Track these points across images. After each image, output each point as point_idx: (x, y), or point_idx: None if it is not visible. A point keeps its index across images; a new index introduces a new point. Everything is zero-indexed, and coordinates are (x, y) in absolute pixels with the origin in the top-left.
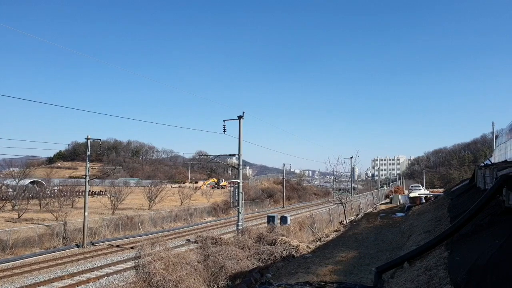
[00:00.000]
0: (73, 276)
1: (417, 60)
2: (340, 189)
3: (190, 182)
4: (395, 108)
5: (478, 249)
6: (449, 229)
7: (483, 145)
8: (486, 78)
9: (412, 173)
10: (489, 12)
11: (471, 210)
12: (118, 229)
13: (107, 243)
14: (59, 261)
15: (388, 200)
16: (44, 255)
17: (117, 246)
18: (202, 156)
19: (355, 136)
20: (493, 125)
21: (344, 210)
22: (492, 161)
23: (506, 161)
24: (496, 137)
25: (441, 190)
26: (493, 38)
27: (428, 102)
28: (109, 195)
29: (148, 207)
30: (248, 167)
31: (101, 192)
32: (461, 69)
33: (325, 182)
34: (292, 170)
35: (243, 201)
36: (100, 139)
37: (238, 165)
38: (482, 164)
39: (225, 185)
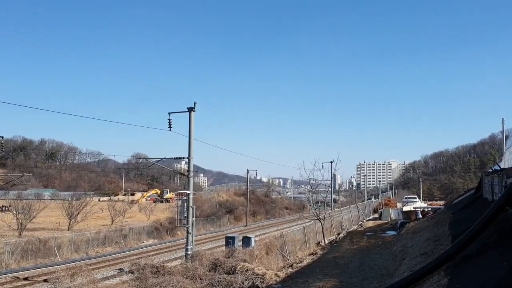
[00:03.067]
0: None
1: (412, 39)
2: (317, 202)
3: (125, 194)
4: (385, 100)
5: (483, 274)
6: (449, 250)
7: (491, 147)
8: (495, 67)
9: (407, 182)
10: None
11: (476, 226)
12: (27, 256)
13: (11, 275)
14: None
15: (376, 215)
16: None
17: (25, 278)
18: (140, 160)
19: (337, 136)
20: (503, 123)
21: (323, 228)
22: (502, 166)
23: None
24: (507, 137)
25: (442, 202)
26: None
27: (426, 94)
28: (14, 212)
29: (67, 227)
30: (201, 175)
31: (4, 208)
32: (465, 54)
33: (299, 193)
34: (258, 178)
35: (194, 218)
36: (2, 137)
37: (188, 171)
38: (490, 170)
39: (171, 198)
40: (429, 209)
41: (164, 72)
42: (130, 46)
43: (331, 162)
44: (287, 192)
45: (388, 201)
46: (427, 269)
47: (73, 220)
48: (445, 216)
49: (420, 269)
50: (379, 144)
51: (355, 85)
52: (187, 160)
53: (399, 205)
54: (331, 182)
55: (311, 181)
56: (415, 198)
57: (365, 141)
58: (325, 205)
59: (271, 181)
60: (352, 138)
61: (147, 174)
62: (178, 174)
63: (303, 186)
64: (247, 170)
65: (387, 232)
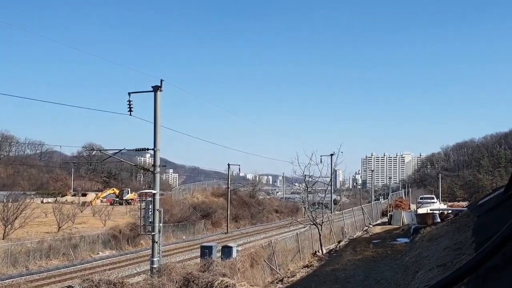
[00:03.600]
0: None
1: (437, 16)
2: (314, 204)
3: (74, 195)
4: (396, 83)
5: None
6: (471, 260)
7: None
8: None
9: (423, 179)
10: None
11: (504, 231)
12: None
13: None
14: None
15: (386, 219)
16: None
17: None
18: (94, 153)
19: (339, 125)
20: None
21: (320, 235)
22: None
23: None
24: None
25: (465, 203)
26: None
27: (447, 75)
28: None
29: (2, 235)
30: (171, 171)
31: None
32: (497, 31)
33: (292, 193)
34: (242, 174)
35: (161, 224)
36: None
37: (154, 166)
38: None
39: (132, 199)
40: (449, 211)
41: (128, 50)
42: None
43: (331, 155)
44: (277, 192)
45: (399, 202)
46: (444, 283)
47: (9, 226)
48: (468, 220)
49: (437, 283)
50: (389, 133)
51: (359, 65)
52: (152, 152)
53: (413, 206)
54: (330, 180)
55: (306, 178)
56: (433, 198)
57: (372, 131)
58: (324, 207)
59: (257, 179)
60: (357, 127)
61: (103, 170)
62: (142, 170)
63: (296, 184)
64: (228, 165)
65: (398, 239)
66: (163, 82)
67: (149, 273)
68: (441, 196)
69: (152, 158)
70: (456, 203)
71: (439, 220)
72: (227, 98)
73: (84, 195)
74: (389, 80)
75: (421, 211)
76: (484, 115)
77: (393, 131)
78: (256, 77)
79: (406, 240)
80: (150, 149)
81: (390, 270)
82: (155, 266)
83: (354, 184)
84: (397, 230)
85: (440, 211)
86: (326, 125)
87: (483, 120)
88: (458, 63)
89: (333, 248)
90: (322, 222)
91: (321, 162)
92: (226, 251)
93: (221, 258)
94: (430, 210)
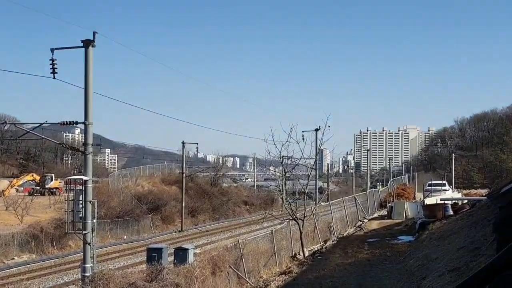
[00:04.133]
0: None
1: None
2: (294, 193)
3: None
4: (400, 38)
5: None
6: (492, 262)
7: None
8: None
9: (432, 160)
10: None
11: None
12: None
13: None
14: None
15: (385, 212)
16: None
17: None
18: (6, 127)
19: (326, 93)
20: None
21: (301, 234)
22: None
23: None
24: None
25: (484, 191)
26: None
27: (460, 31)
28: None
29: None
30: (108, 151)
31: None
32: None
33: (265, 180)
34: (200, 156)
35: (96, 221)
36: None
37: (85, 144)
38: None
39: (57, 188)
40: (465, 201)
41: None
42: None
43: (316, 130)
44: (246, 179)
45: (402, 190)
46: None
47: None
48: (488, 212)
49: None
50: (390, 104)
51: (352, 18)
52: (83, 126)
53: (419, 195)
54: (315, 162)
55: (284, 160)
56: (444, 185)
57: (368, 100)
58: (306, 197)
59: (221, 161)
60: (349, 97)
61: (18, 150)
62: (69, 150)
63: (271, 168)
64: (183, 143)
65: (400, 237)
66: (96, 35)
67: (80, 284)
68: (455, 182)
69: (83, 135)
70: (473, 191)
71: (451, 212)
72: (184, 61)
73: None
74: (389, 35)
75: (429, 201)
76: (509, 80)
77: (394, 100)
78: (223, 33)
79: (410, 238)
80: (80, 123)
81: (389, 276)
82: (87, 274)
83: (345, 167)
84: (399, 226)
85: (453, 201)
86: (309, 93)
87: (508, 86)
88: (474, 17)
89: (318, 250)
90: (304, 217)
91: (303, 139)
92: (181, 255)
93: (174, 263)
94: (441, 200)
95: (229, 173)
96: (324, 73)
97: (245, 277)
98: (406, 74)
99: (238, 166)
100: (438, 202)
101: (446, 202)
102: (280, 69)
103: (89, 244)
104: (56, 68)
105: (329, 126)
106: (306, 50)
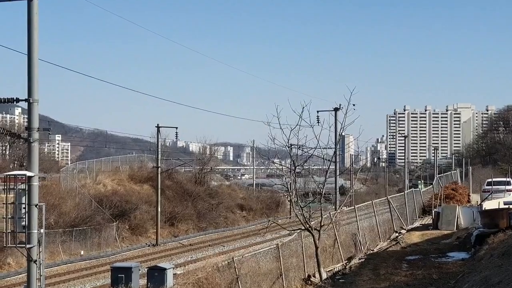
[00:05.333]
0: None
1: None
2: (307, 195)
3: None
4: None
5: None
6: None
7: None
8: None
9: (492, 150)
10: None
11: None
12: None
13: None
14: None
15: (429, 220)
16: None
17: None
18: None
19: (349, 62)
20: None
21: (317, 249)
22: None
23: None
24: None
25: None
26: None
27: None
28: None
29: None
30: (59, 138)
31: None
32: None
33: (268, 177)
34: (181, 144)
35: (43, 231)
36: None
37: (28, 128)
38: None
39: None
40: None
41: None
42: None
43: (336, 109)
44: (243, 175)
45: (452, 190)
46: None
47: None
48: None
49: None
50: (435, 76)
51: None
52: (26, 105)
53: (475, 198)
54: (334, 152)
55: (293, 150)
56: (509, 183)
57: (405, 72)
58: (323, 200)
59: (209, 152)
60: (380, 67)
61: None
62: (7, 136)
63: (276, 161)
64: (158, 127)
65: (450, 254)
66: None
67: None
68: None
69: (26, 116)
70: None
71: None
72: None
73: None
74: None
75: (488, 205)
76: None
77: (441, 71)
78: None
79: (463, 255)
80: (22, 100)
81: None
82: None
83: (375, 159)
84: (448, 239)
85: None
86: (326, 65)
87: None
88: None
89: (339, 270)
90: (321, 226)
91: (318, 122)
92: (156, 277)
93: (148, 287)
94: (504, 203)
95: (220, 167)
96: (345, 38)
97: None
98: (456, 39)
99: (231, 158)
100: (501, 207)
101: None
102: (289, 32)
103: (35, 262)
104: None
105: (353, 105)
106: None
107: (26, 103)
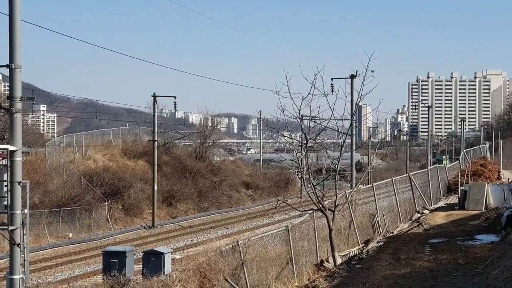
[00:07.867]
0: None
1: None
2: (320, 171)
3: None
4: None
5: None
6: None
7: None
8: None
9: None
10: None
11: None
12: None
13: None
14: None
15: (455, 199)
16: None
17: None
18: None
19: (366, 25)
20: None
21: (331, 231)
22: None
23: None
24: None
25: None
26: None
27: None
28: None
29: None
30: (44, 108)
31: None
32: None
33: (276, 151)
34: (180, 116)
35: (28, 211)
36: None
37: (10, 97)
38: None
39: None
40: None
41: None
42: None
43: (352, 77)
44: (248, 149)
45: (481, 166)
46: None
47: None
48: None
49: None
50: (461, 40)
51: None
52: (7, 71)
53: (506, 175)
54: (350, 125)
55: (305, 121)
56: None
57: (431, 37)
58: (338, 177)
59: (211, 124)
60: (400, 32)
61: None
62: None
63: (286, 134)
64: (154, 96)
65: (478, 236)
66: None
67: None
68: None
69: (7, 84)
70: None
71: None
72: None
73: None
74: None
75: None
76: None
77: (468, 35)
78: None
79: (493, 238)
80: (3, 66)
81: None
82: None
83: (395, 132)
84: (476, 220)
85: None
86: (342, 28)
87: None
88: None
89: (355, 254)
90: (335, 206)
91: (332, 91)
92: (153, 262)
93: (144, 274)
94: None
95: (223, 141)
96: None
97: None
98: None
99: (236, 130)
100: None
101: None
102: None
103: (18, 245)
104: None
105: (372, 71)
106: None
107: (8, 69)
